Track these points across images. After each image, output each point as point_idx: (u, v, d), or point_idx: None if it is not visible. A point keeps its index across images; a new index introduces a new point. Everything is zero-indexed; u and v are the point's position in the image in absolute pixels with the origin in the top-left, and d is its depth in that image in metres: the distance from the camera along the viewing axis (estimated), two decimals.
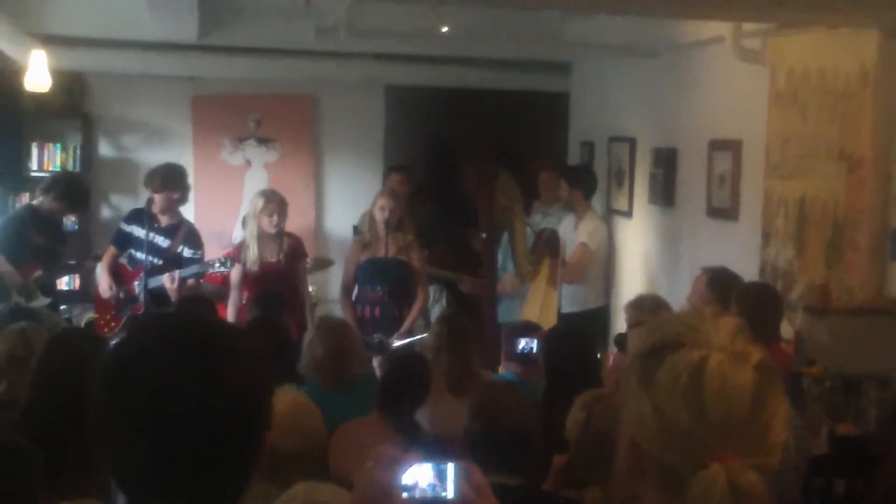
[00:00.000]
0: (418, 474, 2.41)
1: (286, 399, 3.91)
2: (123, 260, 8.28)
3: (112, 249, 8.32)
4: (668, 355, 1.73)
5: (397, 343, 7.61)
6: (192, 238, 8.27)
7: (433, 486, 2.39)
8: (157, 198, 8.12)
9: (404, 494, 2.41)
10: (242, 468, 1.76)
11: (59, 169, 10.36)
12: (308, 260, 8.64)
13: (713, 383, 1.68)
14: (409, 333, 7.72)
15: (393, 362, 5.22)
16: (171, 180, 8.19)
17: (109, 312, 8.12)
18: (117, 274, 8.20)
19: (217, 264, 7.95)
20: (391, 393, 5.03)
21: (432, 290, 9.09)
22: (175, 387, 1.65)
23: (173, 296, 7.76)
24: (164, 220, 8.12)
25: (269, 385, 1.80)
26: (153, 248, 8.01)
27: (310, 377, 5.53)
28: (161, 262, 8.00)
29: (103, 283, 8.16)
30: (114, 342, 1.76)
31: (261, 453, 1.78)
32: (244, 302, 7.88)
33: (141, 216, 8.18)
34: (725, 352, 1.70)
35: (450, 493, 2.41)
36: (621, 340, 5.48)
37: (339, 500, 3.00)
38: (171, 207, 8.20)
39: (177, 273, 7.85)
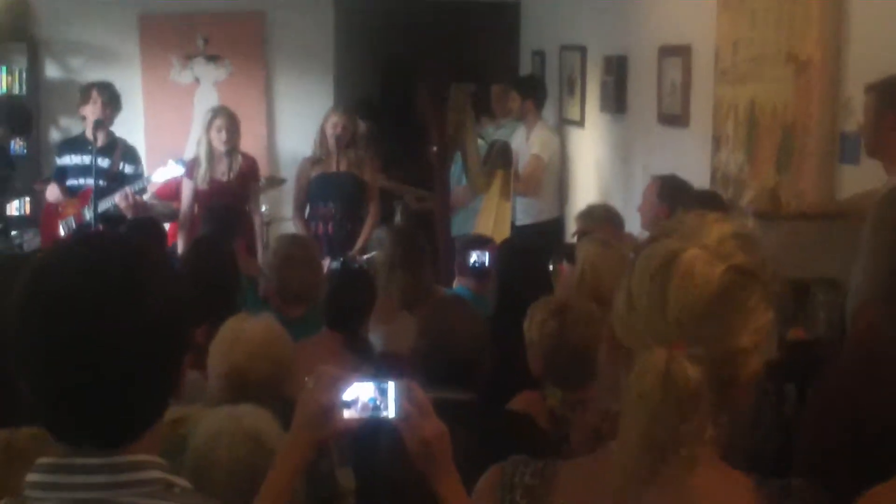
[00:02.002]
0: (360, 391, 2.41)
1: (258, 326, 3.90)
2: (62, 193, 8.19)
3: (56, 187, 8.19)
4: (652, 244, 1.75)
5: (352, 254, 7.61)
6: (131, 154, 8.24)
7: (374, 400, 2.39)
8: (92, 109, 8.04)
9: (345, 410, 2.41)
10: (157, 393, 1.73)
11: (4, 91, 10.24)
12: (261, 180, 8.59)
13: (679, 272, 1.68)
14: (363, 251, 7.70)
15: (336, 279, 5.19)
16: (104, 89, 8.16)
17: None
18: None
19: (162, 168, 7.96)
20: (336, 310, 5.01)
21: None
22: (90, 305, 1.62)
23: (129, 213, 7.69)
24: (99, 140, 8.00)
25: (189, 312, 1.77)
26: (97, 172, 7.91)
27: (269, 295, 5.52)
28: (105, 184, 7.90)
29: (51, 195, 8.06)
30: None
31: (179, 381, 1.76)
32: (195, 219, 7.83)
33: (74, 144, 8.17)
34: (707, 250, 1.69)
35: (391, 411, 2.41)
36: (569, 252, 5.46)
37: (261, 422, 3.00)
38: (107, 122, 8.12)
39: (128, 189, 7.78)
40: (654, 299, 1.69)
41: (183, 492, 1.71)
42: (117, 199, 7.76)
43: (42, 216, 8.36)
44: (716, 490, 1.73)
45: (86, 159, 7.92)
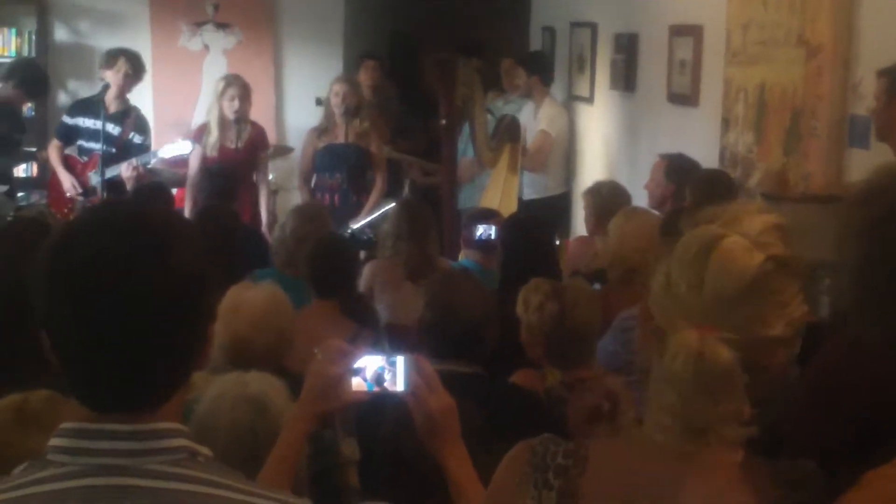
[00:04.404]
0: (369, 364, 2.43)
1: (261, 295, 3.92)
2: (71, 152, 8.20)
3: (56, 143, 8.25)
4: (694, 229, 1.77)
5: (359, 225, 7.63)
6: (141, 124, 8.24)
7: (382, 369, 2.41)
8: (113, 76, 8.03)
9: (354, 378, 2.43)
10: (183, 359, 1.73)
11: (13, 55, 10.19)
12: (269, 149, 8.59)
13: (718, 258, 1.70)
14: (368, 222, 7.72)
15: (313, 250, 5.19)
16: (133, 59, 8.16)
17: (66, 206, 8.04)
18: (69, 167, 8.13)
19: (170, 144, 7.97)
20: (319, 279, 5.04)
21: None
22: (117, 267, 1.61)
23: (130, 184, 7.71)
24: (112, 107, 8.03)
25: (214, 277, 1.76)
26: (105, 137, 7.92)
27: (276, 256, 5.55)
28: (113, 151, 7.93)
29: (65, 182, 8.07)
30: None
31: (205, 346, 1.76)
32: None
33: (90, 106, 8.12)
34: (748, 238, 1.71)
35: (399, 385, 2.43)
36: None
37: (268, 388, 3.02)
38: (125, 90, 8.13)
39: (134, 160, 7.80)
40: (691, 283, 1.71)
41: (207, 461, 1.71)
42: (122, 170, 7.77)
43: (51, 177, 8.36)
44: (738, 479, 1.74)
45: (98, 123, 7.92)
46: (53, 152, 8.23)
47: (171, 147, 8.00)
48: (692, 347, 1.65)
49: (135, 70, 8.15)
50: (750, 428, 1.68)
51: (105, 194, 7.83)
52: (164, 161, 8.31)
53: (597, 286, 5.27)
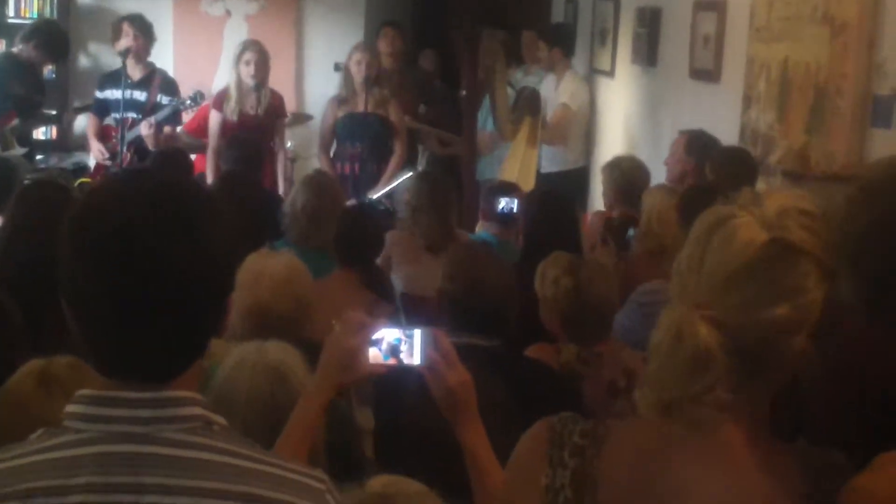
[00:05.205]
0: (386, 336, 2.44)
1: (281, 263, 3.93)
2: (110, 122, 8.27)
3: (93, 118, 8.33)
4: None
5: (378, 195, 7.63)
6: (168, 85, 8.28)
7: (399, 341, 2.41)
8: (125, 43, 8.09)
9: (372, 349, 2.43)
10: (201, 330, 1.74)
11: (36, 16, 10.17)
12: (288, 116, 8.59)
13: (722, 237, 1.68)
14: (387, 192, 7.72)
15: (342, 217, 5.19)
16: (134, 21, 8.21)
17: (99, 173, 8.11)
18: (105, 137, 8.20)
19: (188, 101, 8.01)
20: (347, 248, 5.04)
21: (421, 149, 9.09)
22: (144, 236, 1.62)
23: (150, 143, 7.76)
24: (136, 74, 8.06)
25: (236, 247, 1.78)
26: (133, 105, 7.96)
27: (289, 231, 5.54)
28: (141, 117, 7.98)
29: (94, 149, 8.17)
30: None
31: (223, 316, 1.77)
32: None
33: (113, 77, 8.19)
34: (758, 218, 1.69)
35: (417, 359, 2.43)
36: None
37: (286, 357, 3.02)
38: (142, 54, 8.16)
39: (152, 118, 7.82)
40: (692, 262, 1.70)
41: (222, 430, 1.72)
42: (142, 129, 7.80)
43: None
44: (761, 466, 1.73)
45: (123, 93, 7.97)
46: (90, 128, 8.34)
47: (186, 105, 8.08)
48: (673, 323, 1.65)
49: (142, 31, 8.19)
50: (717, 410, 1.65)
51: (131, 157, 7.91)
52: (184, 126, 8.34)
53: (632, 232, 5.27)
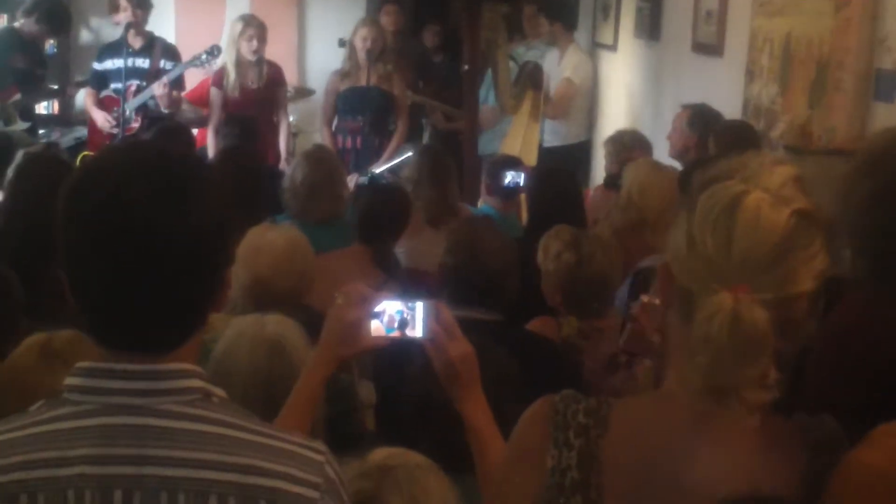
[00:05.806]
0: (388, 309, 2.43)
1: (281, 237, 3.92)
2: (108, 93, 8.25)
3: (90, 90, 8.33)
4: (714, 185, 1.73)
5: (380, 170, 7.61)
6: (169, 51, 8.32)
7: (401, 314, 2.40)
8: (123, 16, 8.13)
9: (374, 322, 2.43)
10: (200, 303, 1.74)
11: None
12: (289, 88, 8.57)
13: (745, 216, 1.67)
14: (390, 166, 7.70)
15: (373, 193, 5.17)
16: None
17: (104, 142, 8.08)
18: (107, 107, 8.18)
19: (204, 56, 8.07)
20: (371, 224, 5.01)
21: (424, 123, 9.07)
22: (140, 208, 1.62)
23: (164, 103, 7.83)
24: (137, 43, 8.07)
25: (234, 221, 1.77)
26: (136, 73, 7.98)
27: (289, 206, 5.52)
28: (146, 84, 8.01)
29: (98, 119, 8.13)
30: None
31: (222, 289, 1.77)
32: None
33: (114, 47, 8.22)
34: (769, 193, 1.68)
35: (419, 331, 2.42)
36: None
37: (286, 330, 3.03)
38: (141, 24, 8.17)
39: (164, 78, 7.84)
40: (719, 243, 1.68)
41: (221, 402, 1.73)
42: (155, 90, 7.84)
43: (89, 123, 8.38)
44: (768, 444, 1.73)
45: (126, 61, 7.99)
46: (88, 99, 8.32)
47: (201, 62, 8.13)
48: (728, 309, 1.63)
49: (138, 2, 8.17)
50: (772, 392, 1.66)
51: (142, 122, 7.97)
52: (186, 95, 8.35)
53: None
